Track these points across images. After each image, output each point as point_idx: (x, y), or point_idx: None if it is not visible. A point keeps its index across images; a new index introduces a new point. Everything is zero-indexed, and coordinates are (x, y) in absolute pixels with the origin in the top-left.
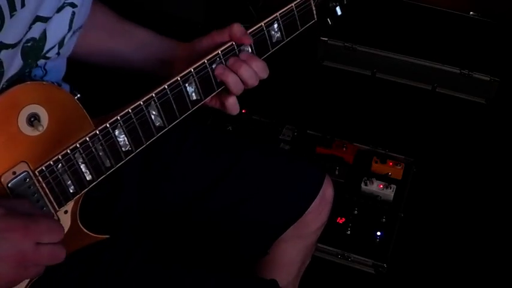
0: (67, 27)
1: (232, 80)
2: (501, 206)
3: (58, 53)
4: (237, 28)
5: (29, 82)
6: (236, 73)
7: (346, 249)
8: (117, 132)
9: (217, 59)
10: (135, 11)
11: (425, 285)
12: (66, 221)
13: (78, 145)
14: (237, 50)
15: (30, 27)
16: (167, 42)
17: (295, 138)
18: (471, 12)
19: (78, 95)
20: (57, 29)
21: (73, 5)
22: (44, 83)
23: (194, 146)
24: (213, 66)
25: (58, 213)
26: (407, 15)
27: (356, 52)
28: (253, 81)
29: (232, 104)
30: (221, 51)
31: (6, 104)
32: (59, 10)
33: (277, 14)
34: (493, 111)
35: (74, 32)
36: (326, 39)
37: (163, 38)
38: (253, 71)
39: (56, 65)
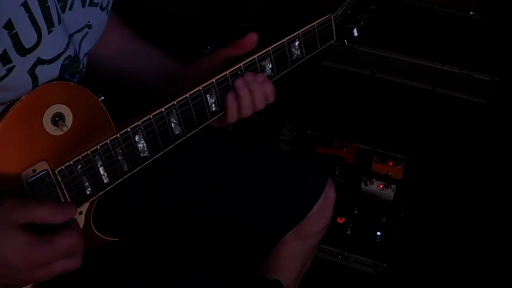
0: (86, 47)
1: (244, 95)
2: (501, 206)
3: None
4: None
5: (56, 82)
6: (250, 92)
7: (346, 249)
8: (137, 138)
9: (239, 72)
10: (136, 11)
11: (425, 285)
12: (79, 222)
13: (98, 147)
14: (258, 65)
15: (68, 46)
16: (174, 62)
17: (295, 138)
18: (471, 12)
19: (102, 97)
20: (80, 47)
21: (89, 26)
22: (71, 83)
23: (196, 148)
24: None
25: None
26: (407, 15)
27: (356, 52)
28: (261, 105)
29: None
30: (243, 65)
31: (33, 102)
32: (79, 30)
33: (299, 32)
34: (493, 111)
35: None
36: None
37: (171, 58)
38: (264, 93)
39: None
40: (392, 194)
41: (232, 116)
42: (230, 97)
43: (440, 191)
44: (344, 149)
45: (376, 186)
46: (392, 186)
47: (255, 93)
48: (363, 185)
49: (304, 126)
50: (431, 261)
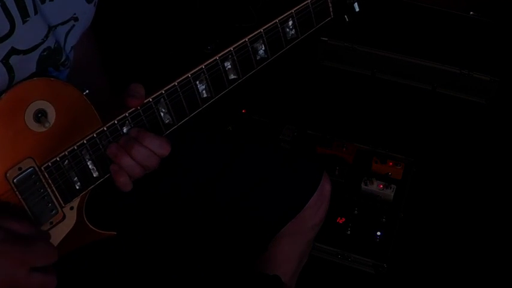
0: (72, 40)
1: (126, 163)
2: (501, 206)
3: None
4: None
5: (36, 78)
6: (129, 155)
7: (346, 249)
8: (125, 129)
9: (230, 56)
10: (136, 12)
11: (425, 285)
12: (72, 217)
13: (85, 141)
14: (250, 47)
15: (47, 37)
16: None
17: (295, 138)
18: (471, 12)
19: (87, 91)
20: (67, 40)
21: (75, 19)
22: (52, 79)
23: (193, 144)
24: (225, 63)
25: (64, 209)
26: (407, 15)
27: (356, 52)
28: (151, 163)
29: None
30: (233, 48)
31: (13, 100)
32: (64, 22)
33: (293, 10)
34: (493, 111)
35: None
36: (326, 39)
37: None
38: (148, 150)
39: None
40: (392, 194)
41: (125, 185)
42: (114, 168)
43: (440, 191)
44: (344, 149)
45: (376, 186)
46: (392, 186)
47: (137, 157)
48: (363, 185)
49: (304, 126)
50: (431, 261)
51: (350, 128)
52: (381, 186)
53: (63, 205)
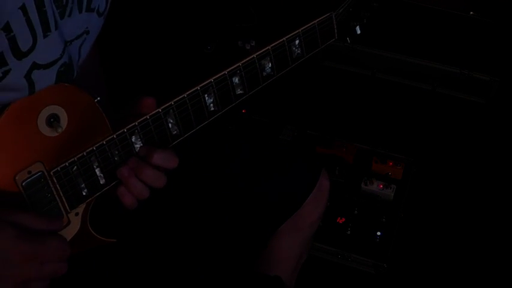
0: (84, 53)
1: (135, 186)
2: (501, 206)
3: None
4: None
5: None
6: (139, 178)
7: (346, 249)
8: (133, 138)
9: (238, 71)
10: (136, 12)
11: (425, 285)
12: (76, 222)
13: (94, 148)
14: (257, 64)
15: (64, 52)
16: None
17: (295, 138)
18: (471, 12)
19: (98, 98)
20: (80, 53)
21: (87, 32)
22: (66, 85)
23: (192, 144)
24: (233, 78)
25: (69, 214)
26: (407, 15)
27: (356, 52)
28: (158, 184)
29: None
30: (242, 64)
31: (27, 104)
32: (78, 37)
33: (300, 30)
34: (493, 111)
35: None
36: None
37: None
38: (156, 171)
39: None
40: (393, 194)
41: (132, 205)
42: (121, 191)
43: (440, 191)
44: (344, 149)
45: (376, 186)
46: (392, 186)
47: (146, 180)
48: (363, 185)
49: (304, 126)
50: (431, 261)
51: (350, 128)
52: (381, 186)
53: (69, 211)
